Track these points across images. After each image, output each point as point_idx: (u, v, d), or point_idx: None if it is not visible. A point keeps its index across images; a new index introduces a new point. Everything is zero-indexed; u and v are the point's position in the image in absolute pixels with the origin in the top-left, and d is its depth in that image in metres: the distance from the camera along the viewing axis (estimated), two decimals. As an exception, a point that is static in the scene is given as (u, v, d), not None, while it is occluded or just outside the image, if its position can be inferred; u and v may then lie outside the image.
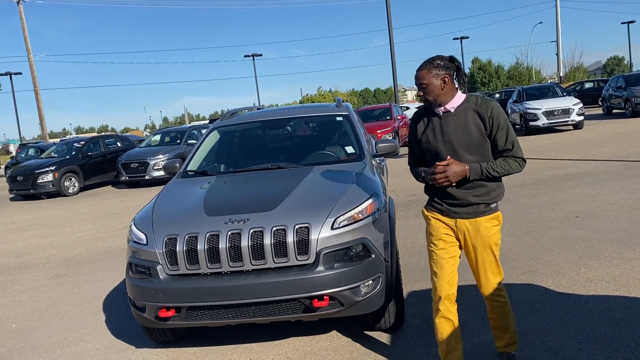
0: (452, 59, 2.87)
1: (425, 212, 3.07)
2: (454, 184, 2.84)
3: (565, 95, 19.29)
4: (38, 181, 15.37)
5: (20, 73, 39.66)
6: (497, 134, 2.80)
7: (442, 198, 2.95)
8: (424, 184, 3.07)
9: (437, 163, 2.83)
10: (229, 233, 3.38)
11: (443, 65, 2.81)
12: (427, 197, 3.09)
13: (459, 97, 2.87)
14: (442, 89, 2.82)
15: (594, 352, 3.30)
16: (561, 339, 3.50)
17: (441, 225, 2.98)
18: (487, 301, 3.07)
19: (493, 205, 2.91)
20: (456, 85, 2.89)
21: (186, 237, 3.43)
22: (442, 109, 2.87)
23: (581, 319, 3.76)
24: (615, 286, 4.28)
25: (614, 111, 22.59)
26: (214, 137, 5.47)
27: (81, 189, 16.29)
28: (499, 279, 3.00)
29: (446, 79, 2.81)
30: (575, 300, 4.09)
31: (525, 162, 2.86)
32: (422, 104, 2.98)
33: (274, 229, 3.37)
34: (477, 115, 2.81)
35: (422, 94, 2.86)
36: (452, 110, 2.86)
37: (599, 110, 25.00)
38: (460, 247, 3.01)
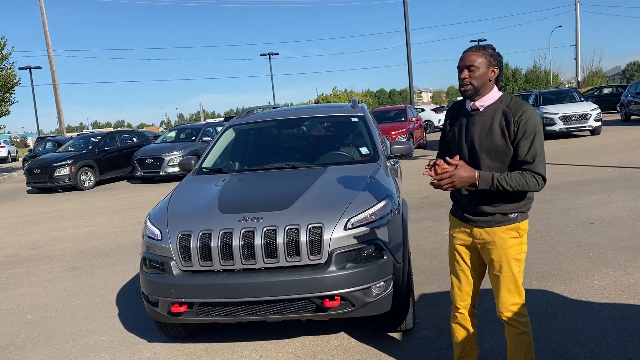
0: (499, 55, 2.67)
1: (450, 216, 2.95)
2: (464, 190, 2.66)
3: (583, 101, 19.08)
4: (55, 174, 15.57)
5: (39, 67, 40.21)
6: (521, 141, 2.52)
7: (459, 203, 2.82)
8: None
9: (438, 162, 2.55)
10: (243, 231, 3.40)
11: (496, 56, 2.62)
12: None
13: (493, 96, 2.63)
14: (489, 80, 2.60)
15: (605, 361, 3.28)
16: (573, 346, 3.47)
17: (458, 232, 2.85)
18: (504, 323, 2.80)
19: (512, 216, 2.65)
20: (494, 84, 2.66)
21: (200, 233, 3.46)
22: (472, 104, 2.66)
23: (594, 327, 3.73)
24: (629, 294, 4.24)
25: (633, 117, 22.31)
26: (229, 135, 5.51)
27: (97, 183, 16.47)
28: (517, 299, 2.72)
29: (495, 71, 2.60)
30: (588, 308, 4.06)
31: (545, 181, 2.55)
32: (457, 99, 2.73)
33: (287, 228, 3.39)
34: (504, 118, 2.56)
35: (467, 76, 2.58)
36: (481, 109, 2.64)
37: (617, 116, 24.71)
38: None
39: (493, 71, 2.60)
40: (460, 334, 2.96)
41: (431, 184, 2.61)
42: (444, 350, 3.61)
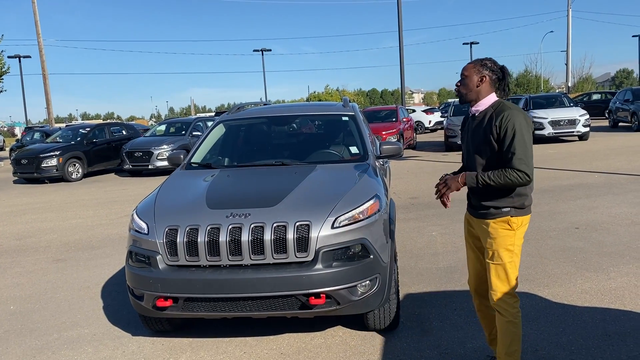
0: (502, 68, 2.95)
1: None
2: (465, 187, 2.97)
3: (572, 106, 19.25)
4: (42, 165, 15.43)
5: (29, 56, 39.77)
6: (503, 141, 2.77)
7: (468, 198, 3.11)
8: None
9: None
10: (230, 227, 3.41)
11: (489, 67, 2.91)
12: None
13: (487, 101, 2.91)
14: (477, 86, 2.90)
15: (585, 364, 3.32)
16: (554, 349, 3.52)
17: (467, 224, 3.18)
18: (495, 310, 3.00)
19: (505, 210, 2.86)
20: (494, 91, 2.94)
21: (187, 228, 3.46)
22: (472, 109, 2.98)
23: (574, 330, 3.78)
24: (610, 299, 4.30)
25: (620, 124, 22.55)
26: (219, 131, 5.50)
27: (84, 175, 16.34)
28: (506, 288, 2.91)
29: (484, 78, 2.89)
30: (570, 311, 4.11)
31: (528, 176, 2.73)
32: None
33: (275, 225, 3.39)
34: (491, 120, 2.83)
35: (459, 84, 2.97)
36: (477, 114, 2.95)
37: (605, 123, 24.95)
38: None
39: (481, 78, 2.89)
40: (485, 318, 3.24)
41: (438, 198, 3.06)
42: (427, 350, 3.64)
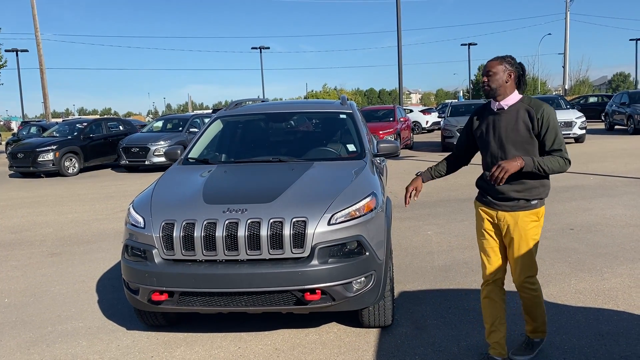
0: (520, 64, 3.14)
1: (476, 203, 3.38)
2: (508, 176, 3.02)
3: (568, 108, 19.31)
4: (38, 159, 15.39)
5: (26, 50, 39.72)
6: (546, 135, 3.00)
7: (487, 191, 3.22)
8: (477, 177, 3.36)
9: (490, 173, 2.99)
10: (226, 222, 3.41)
11: (512, 63, 3.09)
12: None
13: (515, 97, 3.11)
14: (506, 82, 3.07)
15: (578, 363, 3.34)
16: (546, 348, 3.53)
17: (485, 216, 3.27)
18: (518, 290, 3.28)
19: (534, 202, 3.10)
20: (515, 87, 3.12)
21: (184, 223, 3.46)
22: (497, 105, 3.12)
23: (568, 330, 3.80)
24: (604, 299, 4.33)
25: (616, 127, 22.64)
26: (216, 127, 5.50)
27: (81, 170, 16.31)
28: (531, 272, 3.20)
29: (511, 75, 3.07)
30: (564, 311, 4.14)
31: (570, 163, 3.04)
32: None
33: (271, 220, 3.40)
34: (527, 115, 3.03)
35: (486, 80, 3.09)
36: (506, 108, 3.10)
37: (602, 125, 25.05)
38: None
39: (509, 74, 3.07)
40: (489, 308, 3.31)
41: (492, 182, 3.00)
42: (421, 347, 3.65)
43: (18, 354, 3.88)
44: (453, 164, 3.54)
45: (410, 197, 3.41)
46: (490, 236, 3.27)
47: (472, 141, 3.37)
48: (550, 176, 3.15)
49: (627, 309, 4.12)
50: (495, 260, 3.27)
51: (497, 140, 3.13)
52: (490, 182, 3.02)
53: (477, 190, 3.37)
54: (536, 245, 3.18)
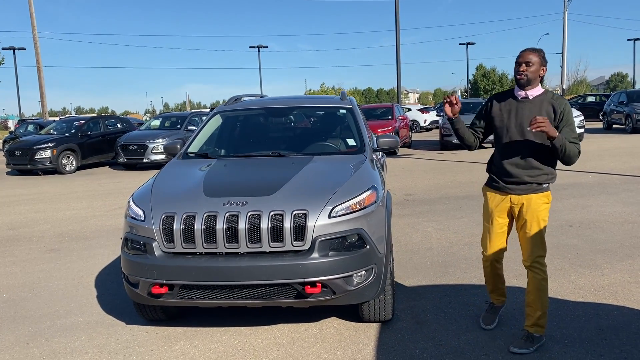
0: None
1: (484, 189, 3.64)
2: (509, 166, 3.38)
3: (566, 107, 19.31)
4: (36, 157, 15.33)
5: (24, 48, 39.54)
6: (565, 127, 3.27)
7: (500, 176, 3.47)
8: (486, 165, 3.68)
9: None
10: (227, 214, 3.40)
11: (545, 58, 3.35)
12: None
13: (539, 89, 3.37)
14: (540, 74, 3.33)
15: (579, 356, 3.34)
16: (548, 342, 3.53)
17: (495, 201, 3.52)
18: (528, 271, 3.48)
19: (545, 185, 3.39)
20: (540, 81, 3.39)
21: (184, 215, 3.45)
22: (522, 93, 3.36)
23: (568, 324, 3.81)
24: (603, 294, 4.33)
25: (615, 126, 22.68)
26: (216, 121, 5.49)
27: (78, 168, 16.25)
28: (542, 252, 3.43)
29: (543, 69, 3.35)
30: (564, 306, 4.14)
31: (580, 154, 3.32)
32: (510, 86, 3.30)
33: (272, 213, 3.39)
34: (551, 107, 3.30)
35: (525, 68, 3.28)
36: (531, 98, 3.35)
37: (600, 125, 25.10)
38: (512, 221, 3.56)
39: (543, 69, 3.34)
40: (491, 276, 3.74)
41: (536, 125, 3.10)
42: (422, 341, 3.65)
43: (17, 348, 3.86)
44: (473, 136, 3.67)
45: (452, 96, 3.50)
46: (498, 221, 3.53)
47: (486, 124, 3.58)
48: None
49: (626, 303, 4.12)
50: (498, 242, 3.58)
51: (518, 126, 3.34)
52: (530, 127, 3.12)
53: (477, 185, 3.45)
54: (545, 227, 3.43)
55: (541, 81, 3.38)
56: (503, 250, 3.64)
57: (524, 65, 3.29)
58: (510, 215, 3.53)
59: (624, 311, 3.99)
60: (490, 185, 3.56)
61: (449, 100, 3.48)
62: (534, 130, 3.11)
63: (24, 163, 15.53)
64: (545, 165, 3.36)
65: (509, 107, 3.41)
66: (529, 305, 3.48)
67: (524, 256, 3.49)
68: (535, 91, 3.35)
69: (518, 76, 3.33)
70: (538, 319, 3.45)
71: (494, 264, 3.68)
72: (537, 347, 3.42)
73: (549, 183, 3.41)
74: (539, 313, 3.44)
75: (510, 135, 3.37)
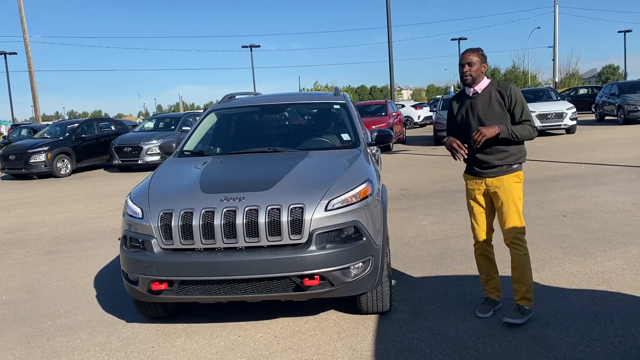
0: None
1: (464, 176, 3.88)
2: (479, 154, 3.63)
3: (559, 100, 19.45)
4: (30, 161, 15.31)
5: (15, 53, 39.33)
6: (515, 108, 3.57)
7: (473, 163, 3.73)
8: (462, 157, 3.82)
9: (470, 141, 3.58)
10: (224, 210, 3.44)
11: (483, 55, 3.67)
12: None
13: (485, 81, 3.67)
14: (482, 71, 3.63)
15: (574, 342, 3.40)
16: (543, 329, 3.59)
17: (474, 185, 3.78)
18: (510, 249, 3.70)
19: (515, 166, 3.64)
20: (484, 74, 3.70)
21: (182, 212, 3.48)
22: (472, 90, 3.66)
23: (563, 311, 3.86)
24: (597, 281, 4.39)
25: (607, 118, 22.81)
26: (211, 119, 5.52)
27: (73, 171, 16.24)
28: (520, 229, 3.65)
29: (485, 65, 3.66)
30: (559, 293, 4.19)
31: (537, 131, 3.64)
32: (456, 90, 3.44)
33: (269, 207, 3.43)
34: (498, 94, 3.59)
35: (468, 69, 3.58)
36: (480, 92, 3.64)
37: (592, 117, 25.23)
38: (492, 204, 3.76)
39: (484, 65, 3.66)
40: (484, 262, 3.90)
41: (474, 145, 3.56)
42: (419, 331, 3.70)
43: (18, 348, 3.89)
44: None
45: (461, 149, 3.65)
46: (478, 203, 3.79)
47: (455, 125, 3.83)
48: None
49: (620, 289, 4.19)
50: (483, 223, 3.81)
51: (476, 119, 3.63)
52: (473, 147, 3.57)
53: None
54: (521, 205, 3.68)
55: (493, 75, 3.60)
56: (491, 230, 3.84)
57: (466, 66, 3.59)
58: (489, 197, 3.75)
59: (618, 297, 4.05)
60: (469, 172, 3.82)
61: (459, 153, 3.68)
62: (478, 146, 3.51)
63: (18, 167, 15.50)
64: (510, 146, 3.59)
65: (465, 105, 3.71)
66: (515, 282, 3.72)
67: (504, 235, 3.71)
68: (482, 85, 3.65)
69: (464, 77, 3.62)
70: (525, 293, 3.69)
71: (484, 246, 3.85)
72: (527, 319, 3.66)
73: (519, 163, 3.65)
74: (525, 287, 3.68)
75: (473, 129, 3.61)
